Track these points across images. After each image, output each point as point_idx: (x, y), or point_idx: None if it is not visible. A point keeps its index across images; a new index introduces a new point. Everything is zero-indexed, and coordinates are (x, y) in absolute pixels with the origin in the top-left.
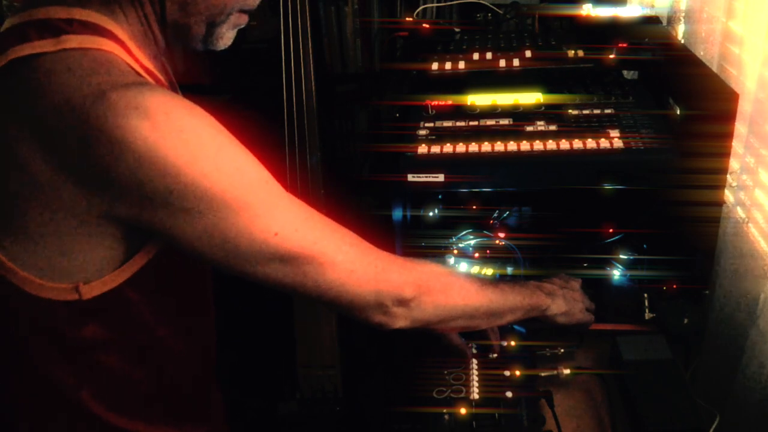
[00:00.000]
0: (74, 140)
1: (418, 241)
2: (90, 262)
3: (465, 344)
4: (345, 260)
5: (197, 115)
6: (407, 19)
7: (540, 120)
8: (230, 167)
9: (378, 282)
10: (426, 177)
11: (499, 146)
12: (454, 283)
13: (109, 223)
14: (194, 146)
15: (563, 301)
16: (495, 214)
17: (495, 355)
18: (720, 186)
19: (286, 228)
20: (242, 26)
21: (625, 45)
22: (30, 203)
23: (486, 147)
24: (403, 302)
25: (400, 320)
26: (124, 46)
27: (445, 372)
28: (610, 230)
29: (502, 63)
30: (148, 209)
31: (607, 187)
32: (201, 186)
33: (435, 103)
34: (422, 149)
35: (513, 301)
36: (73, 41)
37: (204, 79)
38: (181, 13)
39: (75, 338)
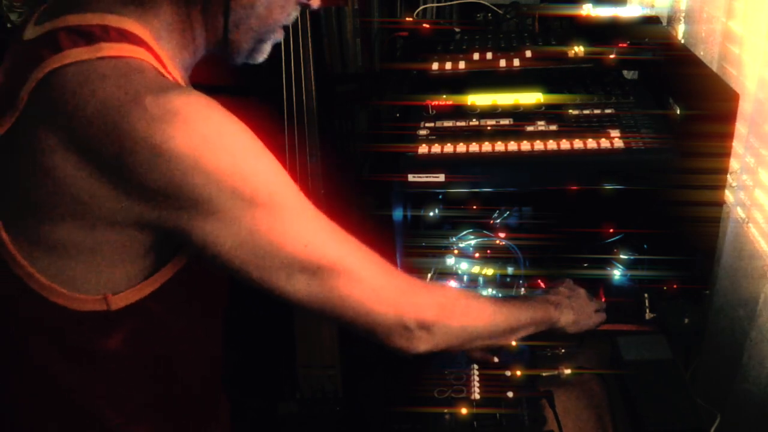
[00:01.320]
0: (111, 147)
1: (418, 241)
2: (120, 272)
3: (486, 354)
4: (370, 278)
5: (234, 121)
6: (407, 19)
7: (540, 120)
8: (267, 174)
9: (401, 304)
10: (426, 177)
11: (499, 146)
12: (473, 305)
13: (142, 232)
14: (234, 151)
15: (571, 312)
16: (495, 214)
17: (496, 360)
18: (720, 186)
19: (316, 240)
20: (280, 41)
21: (625, 45)
22: (65, 215)
23: (486, 147)
24: (425, 326)
25: (423, 344)
26: (155, 56)
27: (446, 372)
28: (610, 230)
29: (502, 63)
30: (184, 216)
31: (607, 187)
32: (239, 192)
33: (435, 103)
34: (422, 149)
35: (526, 317)
36: (109, 49)
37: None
38: (235, 29)
39: (96, 347)
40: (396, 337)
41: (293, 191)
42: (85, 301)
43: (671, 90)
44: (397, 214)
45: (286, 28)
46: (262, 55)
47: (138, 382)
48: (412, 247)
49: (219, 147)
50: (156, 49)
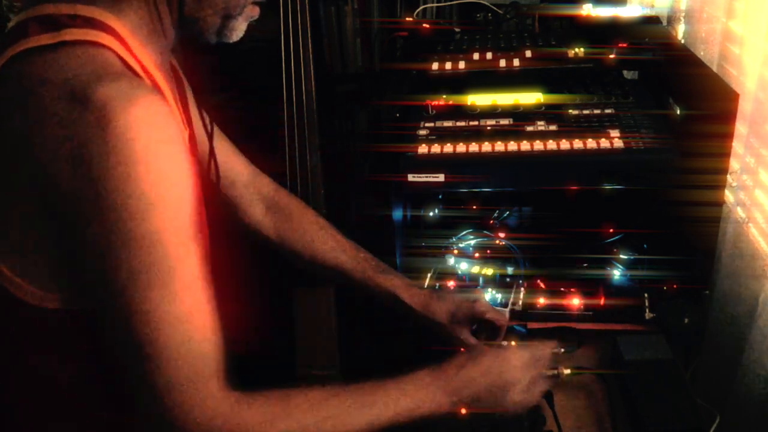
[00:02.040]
0: (49, 136)
1: (418, 241)
2: (54, 272)
3: (479, 343)
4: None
5: (158, 128)
6: (407, 19)
7: (540, 120)
8: (147, 201)
9: (176, 419)
10: (426, 177)
11: (499, 146)
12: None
13: None
14: (126, 158)
15: (472, 399)
16: (495, 214)
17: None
18: (720, 186)
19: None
20: (255, 18)
21: (625, 45)
22: (24, 215)
23: (486, 147)
24: None
25: None
26: (123, 42)
27: None
28: (610, 230)
29: (502, 63)
30: (62, 206)
31: (607, 187)
32: (106, 199)
33: (435, 103)
34: (422, 149)
35: (389, 411)
36: (70, 35)
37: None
38: (197, 5)
39: (80, 344)
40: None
41: (156, 226)
42: (59, 300)
43: (671, 90)
44: (397, 214)
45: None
46: (236, 33)
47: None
48: (412, 247)
49: (116, 147)
50: (124, 35)
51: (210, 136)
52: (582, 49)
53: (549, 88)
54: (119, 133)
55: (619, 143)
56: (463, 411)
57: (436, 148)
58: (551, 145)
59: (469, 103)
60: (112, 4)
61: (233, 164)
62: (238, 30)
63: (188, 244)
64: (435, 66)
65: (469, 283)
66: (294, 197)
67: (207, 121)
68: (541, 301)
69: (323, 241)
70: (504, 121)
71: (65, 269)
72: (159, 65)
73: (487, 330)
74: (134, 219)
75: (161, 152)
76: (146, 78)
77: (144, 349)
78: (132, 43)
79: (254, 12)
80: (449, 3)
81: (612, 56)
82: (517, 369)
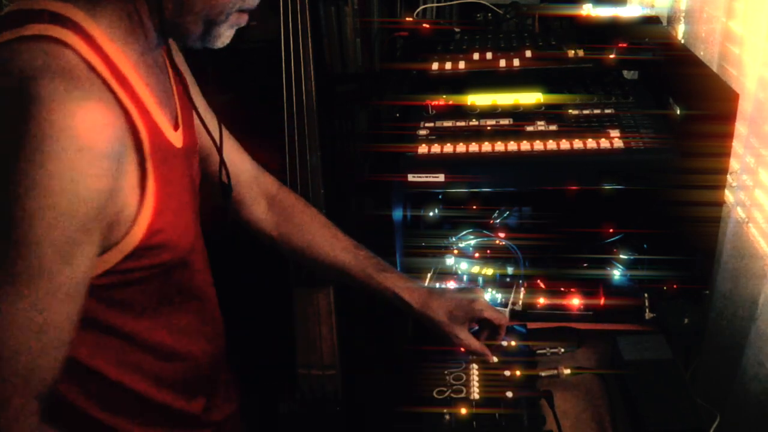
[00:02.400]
0: None
1: (418, 241)
2: None
3: (482, 346)
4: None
5: (80, 136)
6: (407, 19)
7: (540, 120)
8: (40, 203)
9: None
10: (426, 177)
11: (499, 146)
12: None
13: None
14: (34, 155)
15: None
16: (495, 214)
17: (495, 360)
18: (720, 186)
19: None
20: (242, 26)
21: (625, 45)
22: None
23: (486, 147)
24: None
25: None
26: (91, 41)
27: (446, 372)
28: (610, 230)
29: (502, 63)
30: None
31: (607, 187)
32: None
33: (435, 103)
34: (422, 149)
35: None
36: (31, 30)
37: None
38: (178, 11)
39: None
40: None
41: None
42: None
43: (671, 90)
44: (397, 214)
45: (254, 16)
46: (220, 40)
47: (115, 378)
48: (412, 247)
49: (25, 141)
50: (95, 33)
51: (220, 141)
52: (582, 49)
53: (549, 88)
54: (38, 130)
55: (619, 143)
56: (464, 411)
57: (436, 148)
58: (551, 145)
59: (469, 103)
60: (87, 2)
61: (237, 161)
62: (223, 37)
63: (71, 254)
64: (435, 66)
65: (469, 283)
66: (296, 195)
67: (216, 124)
68: (541, 301)
69: (324, 238)
70: (504, 121)
71: None
72: (137, 65)
73: (487, 329)
74: (21, 219)
75: (74, 160)
76: (112, 78)
77: None
78: (103, 42)
79: (241, 20)
80: (449, 3)
81: (612, 56)
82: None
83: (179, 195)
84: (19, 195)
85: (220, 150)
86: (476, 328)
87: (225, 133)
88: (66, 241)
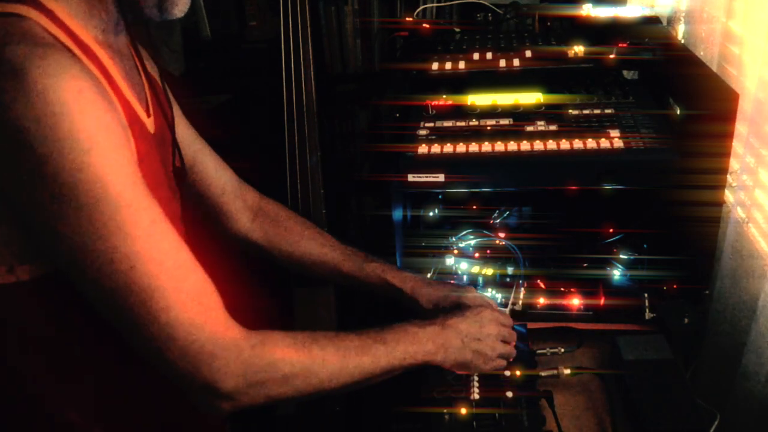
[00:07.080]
0: None
1: (418, 241)
2: (28, 243)
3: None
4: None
5: (75, 79)
6: (407, 19)
7: (540, 120)
8: (80, 148)
9: (191, 364)
10: (426, 177)
11: (499, 146)
12: (299, 372)
13: None
14: (46, 107)
15: (457, 355)
16: (495, 214)
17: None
18: (720, 186)
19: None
20: None
21: (625, 45)
22: None
23: (486, 147)
24: (220, 395)
25: (223, 407)
26: (50, 16)
27: (446, 372)
28: (610, 230)
29: (502, 63)
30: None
31: (607, 187)
32: (36, 155)
33: (435, 103)
34: (422, 149)
35: (385, 363)
36: None
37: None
38: None
39: (12, 324)
40: (191, 393)
41: (96, 183)
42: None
43: (671, 90)
44: (397, 214)
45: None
46: (177, 8)
47: (107, 382)
48: (412, 247)
49: (28, 99)
50: (55, 9)
51: (171, 125)
52: (582, 49)
53: (549, 88)
54: (34, 84)
55: (619, 143)
56: (464, 411)
57: (436, 148)
58: (551, 145)
59: (469, 103)
60: None
61: (221, 173)
62: (180, 4)
63: (137, 185)
64: (435, 66)
65: (469, 283)
66: (278, 203)
67: (172, 111)
68: (541, 301)
69: (311, 238)
70: (504, 121)
71: (32, 236)
72: (102, 42)
73: None
74: (71, 169)
75: (83, 100)
76: (78, 50)
77: (134, 295)
78: (64, 17)
79: None
80: (449, 3)
81: (612, 56)
82: (492, 323)
83: (155, 175)
84: (59, 151)
85: (172, 128)
86: None
87: (206, 145)
88: (126, 170)
